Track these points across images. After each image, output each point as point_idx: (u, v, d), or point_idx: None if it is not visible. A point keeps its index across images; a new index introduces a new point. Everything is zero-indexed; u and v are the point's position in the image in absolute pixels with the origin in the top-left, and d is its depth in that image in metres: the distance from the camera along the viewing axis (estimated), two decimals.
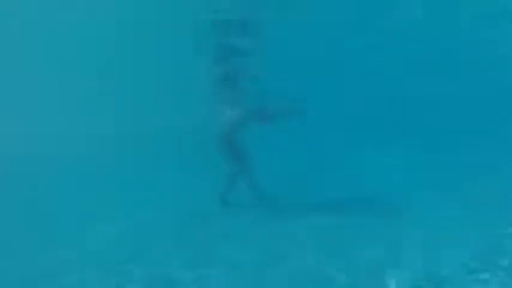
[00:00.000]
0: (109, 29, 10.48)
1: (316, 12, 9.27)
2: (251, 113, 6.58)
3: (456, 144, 11.90)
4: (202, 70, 13.86)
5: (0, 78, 15.38)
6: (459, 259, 4.34)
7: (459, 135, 13.05)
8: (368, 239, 5.13)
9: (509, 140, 11.85)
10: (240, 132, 6.62)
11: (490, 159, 9.80)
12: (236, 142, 6.53)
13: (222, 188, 7.12)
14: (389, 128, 16.63)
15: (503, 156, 9.84)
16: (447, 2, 8.87)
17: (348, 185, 8.19)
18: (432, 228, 5.37)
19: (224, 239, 5.53)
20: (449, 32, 11.32)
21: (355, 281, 4.05)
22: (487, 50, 13.23)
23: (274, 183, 8.71)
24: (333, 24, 10.05)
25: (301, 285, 4.03)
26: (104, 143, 17.17)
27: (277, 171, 10.17)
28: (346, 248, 4.91)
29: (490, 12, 9.49)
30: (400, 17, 9.82)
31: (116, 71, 15.20)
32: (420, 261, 4.36)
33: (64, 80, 16.26)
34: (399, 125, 17.04)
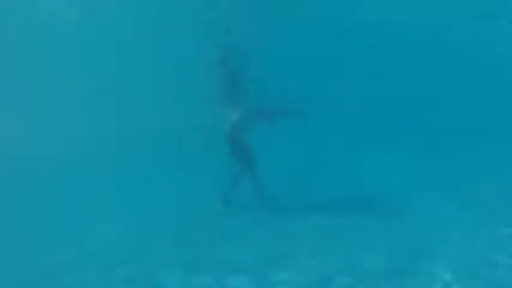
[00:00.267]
0: (109, 29, 10.47)
1: (316, 13, 9.28)
2: (253, 113, 6.60)
3: (456, 144, 11.90)
4: (202, 70, 13.88)
5: (0, 78, 15.40)
6: (459, 259, 4.34)
7: (459, 135, 13.05)
8: (368, 239, 5.13)
9: (509, 140, 11.85)
10: (246, 132, 6.63)
11: (490, 159, 9.81)
12: (241, 142, 6.54)
13: (225, 188, 7.12)
14: (389, 128, 16.64)
15: (503, 156, 9.84)
16: (447, 2, 8.87)
17: (348, 185, 8.20)
18: (432, 228, 5.37)
19: (224, 239, 5.53)
20: (449, 32, 11.32)
21: (355, 281, 4.05)
22: (487, 50, 13.24)
23: (274, 183, 8.72)
24: (334, 24, 10.06)
25: (301, 285, 4.03)
26: (104, 143, 17.17)
27: (277, 171, 10.17)
28: (346, 248, 4.91)
29: (490, 12, 9.49)
30: (400, 17, 9.82)
31: (116, 71, 15.20)
32: (421, 261, 4.36)
33: (64, 80, 16.26)
34: (399, 125, 17.05)
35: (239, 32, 9.50)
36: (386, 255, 4.60)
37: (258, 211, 6.71)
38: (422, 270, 4.14)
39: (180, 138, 17.60)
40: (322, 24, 10.07)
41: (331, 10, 9.09)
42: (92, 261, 5.06)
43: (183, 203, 7.63)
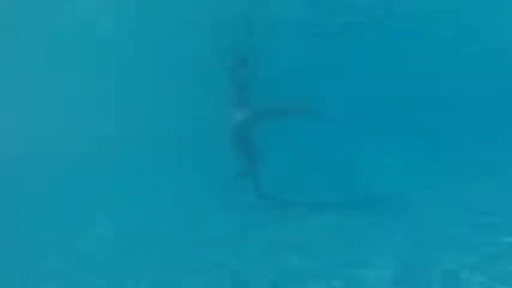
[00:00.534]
0: (109, 29, 10.47)
1: (316, 12, 9.28)
2: (260, 113, 6.56)
3: (456, 144, 11.88)
4: (202, 70, 13.85)
5: (0, 78, 15.39)
6: (459, 258, 4.32)
7: (459, 135, 13.04)
8: (368, 239, 5.12)
9: (509, 140, 11.85)
10: (252, 131, 6.60)
11: (490, 159, 9.80)
12: (247, 141, 6.51)
13: (226, 187, 7.10)
14: (389, 128, 16.63)
15: (503, 156, 9.83)
16: (447, 2, 8.88)
17: (348, 185, 8.19)
18: (432, 228, 5.36)
19: (224, 239, 5.52)
20: (449, 32, 11.32)
21: (354, 280, 4.04)
22: (487, 50, 13.22)
23: (275, 183, 8.70)
24: (334, 24, 10.05)
25: (301, 284, 4.02)
26: (104, 143, 17.15)
27: (278, 171, 10.16)
28: (346, 247, 4.90)
29: (490, 12, 9.50)
30: (400, 17, 9.82)
31: (116, 70, 15.18)
32: (420, 261, 4.35)
33: (64, 80, 16.24)
34: (399, 125, 17.03)
35: (247, 33, 9.45)
36: (386, 255, 4.58)
37: (258, 211, 6.70)
38: (422, 270, 4.13)
39: (180, 138, 17.58)
40: (322, 24, 10.07)
41: (332, 10, 9.11)
42: (91, 261, 5.06)
43: (183, 203, 7.62)
